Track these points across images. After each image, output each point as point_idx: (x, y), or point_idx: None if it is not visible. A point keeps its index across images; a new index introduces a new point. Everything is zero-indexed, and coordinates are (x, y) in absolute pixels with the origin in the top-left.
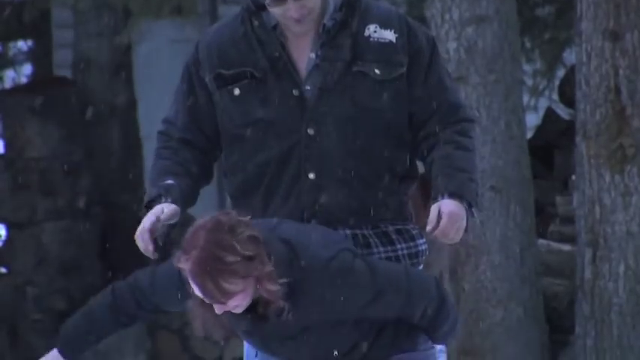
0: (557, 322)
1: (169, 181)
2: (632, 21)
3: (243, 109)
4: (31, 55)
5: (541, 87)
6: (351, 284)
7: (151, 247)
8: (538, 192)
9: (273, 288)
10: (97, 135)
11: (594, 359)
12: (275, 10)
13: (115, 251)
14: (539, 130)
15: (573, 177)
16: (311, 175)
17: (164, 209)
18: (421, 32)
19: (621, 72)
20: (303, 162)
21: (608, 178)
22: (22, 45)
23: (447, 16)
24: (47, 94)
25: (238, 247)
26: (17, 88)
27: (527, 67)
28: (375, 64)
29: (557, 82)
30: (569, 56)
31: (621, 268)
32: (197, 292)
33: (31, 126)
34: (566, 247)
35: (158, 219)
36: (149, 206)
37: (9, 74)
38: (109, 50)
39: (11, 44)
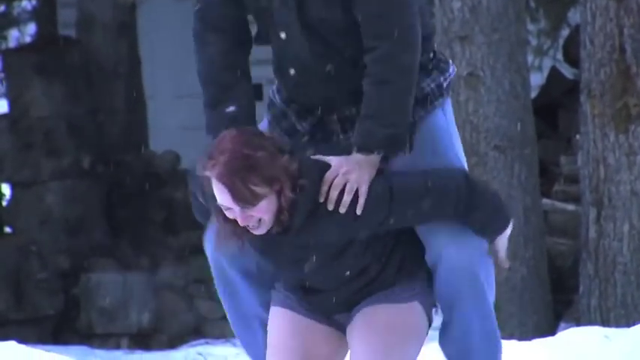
0: (561, 282)
1: (231, 108)
2: None
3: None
4: (36, 15)
5: (545, 46)
6: (368, 206)
7: None
8: (542, 151)
9: (295, 197)
10: (101, 94)
11: (598, 318)
12: None
13: (119, 210)
14: (544, 89)
15: (577, 136)
16: (291, 71)
17: None
18: None
19: (626, 31)
20: (284, 60)
21: (612, 137)
22: (27, 4)
23: None
24: (51, 54)
25: (266, 145)
26: (21, 48)
27: (531, 27)
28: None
29: (561, 42)
30: (574, 16)
31: (625, 228)
32: (224, 198)
33: (35, 85)
34: (571, 207)
35: None
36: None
37: (13, 34)
38: (113, 9)
39: (15, 3)
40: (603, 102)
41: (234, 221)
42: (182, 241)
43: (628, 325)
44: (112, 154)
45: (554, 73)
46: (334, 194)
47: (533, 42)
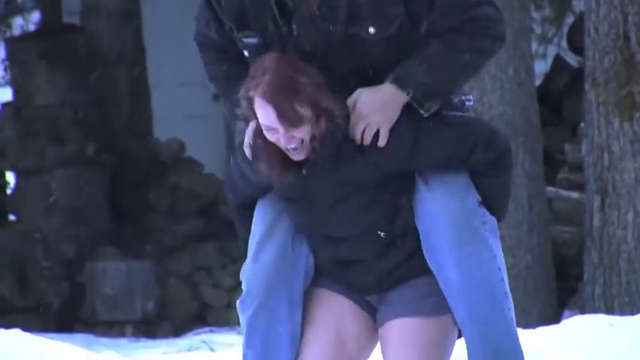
0: (565, 269)
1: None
2: None
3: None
4: (40, 2)
5: (550, 34)
6: (390, 144)
7: None
8: (546, 139)
9: (329, 127)
10: (105, 82)
11: (602, 306)
12: None
13: (123, 198)
14: (548, 77)
15: (582, 124)
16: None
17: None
18: None
19: (630, 19)
20: None
21: (616, 125)
22: None
23: None
24: (56, 42)
25: (309, 72)
26: (26, 36)
27: (535, 15)
28: (370, 22)
29: (565, 30)
30: (578, 3)
31: (630, 216)
32: (268, 118)
33: (39, 73)
34: (575, 195)
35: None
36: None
37: (17, 22)
38: (109, 24)
39: None
40: (607, 90)
41: (273, 154)
42: (186, 229)
43: (632, 312)
44: (117, 142)
45: (558, 60)
46: (357, 136)
47: (538, 30)
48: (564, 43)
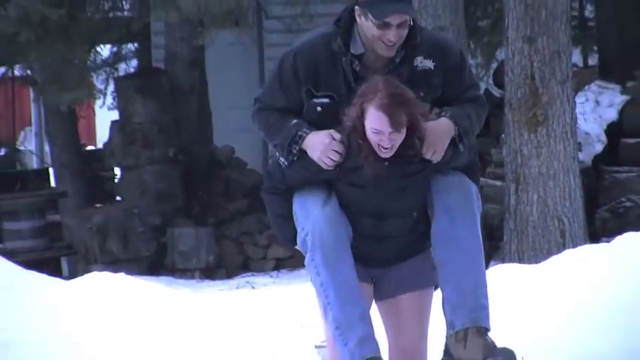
0: (492, 233)
1: (295, 120)
2: (542, 30)
3: (320, 122)
4: (137, 53)
5: (481, 74)
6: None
7: (339, 151)
8: (479, 146)
9: (418, 135)
10: (180, 107)
11: (517, 258)
12: (375, 33)
13: (192, 185)
14: None
15: (503, 135)
16: None
17: (330, 134)
18: (453, 52)
19: (535, 64)
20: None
21: (526, 136)
22: (131, 46)
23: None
24: (147, 80)
25: (410, 91)
26: (127, 76)
27: (471, 61)
28: (421, 88)
29: (492, 72)
30: (500, 54)
31: (535, 197)
32: (381, 124)
33: (136, 101)
34: (498, 183)
35: (333, 137)
36: (295, 141)
37: (122, 66)
38: (189, 49)
39: (124, 46)
40: (520, 112)
41: (369, 151)
42: (235, 206)
43: (537, 262)
44: (188, 147)
45: (486, 93)
46: (429, 155)
47: (473, 71)
48: (491, 81)
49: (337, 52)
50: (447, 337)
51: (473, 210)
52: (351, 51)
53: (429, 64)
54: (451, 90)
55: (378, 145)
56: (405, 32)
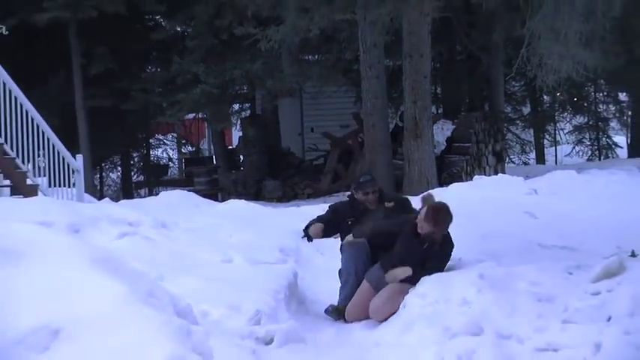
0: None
1: (314, 220)
2: (419, 97)
3: (351, 227)
4: (250, 107)
5: (394, 116)
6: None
7: (319, 232)
8: (396, 144)
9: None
10: (269, 136)
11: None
12: (362, 198)
13: (272, 163)
14: (392, 132)
15: (403, 142)
16: None
17: (320, 226)
18: (401, 198)
19: (416, 112)
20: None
21: (412, 142)
22: (247, 105)
23: None
24: (253, 118)
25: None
26: (245, 117)
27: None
28: (393, 212)
29: (399, 114)
30: (402, 107)
31: (415, 168)
32: (435, 231)
33: (248, 127)
34: (400, 162)
35: (321, 227)
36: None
37: (243, 113)
38: (271, 104)
39: (244, 105)
40: (410, 132)
41: (415, 238)
42: (290, 172)
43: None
44: (270, 148)
45: (397, 125)
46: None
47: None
48: (398, 119)
49: (352, 204)
50: None
51: None
52: (358, 201)
53: (391, 204)
54: (402, 211)
55: None
56: (377, 195)
